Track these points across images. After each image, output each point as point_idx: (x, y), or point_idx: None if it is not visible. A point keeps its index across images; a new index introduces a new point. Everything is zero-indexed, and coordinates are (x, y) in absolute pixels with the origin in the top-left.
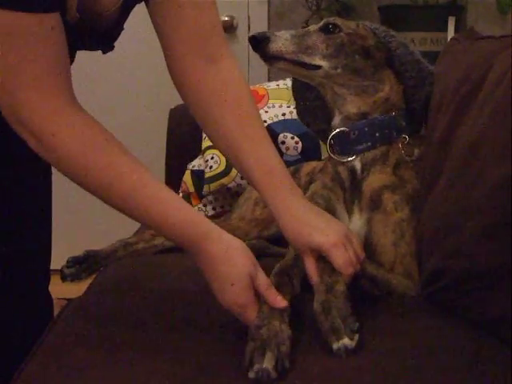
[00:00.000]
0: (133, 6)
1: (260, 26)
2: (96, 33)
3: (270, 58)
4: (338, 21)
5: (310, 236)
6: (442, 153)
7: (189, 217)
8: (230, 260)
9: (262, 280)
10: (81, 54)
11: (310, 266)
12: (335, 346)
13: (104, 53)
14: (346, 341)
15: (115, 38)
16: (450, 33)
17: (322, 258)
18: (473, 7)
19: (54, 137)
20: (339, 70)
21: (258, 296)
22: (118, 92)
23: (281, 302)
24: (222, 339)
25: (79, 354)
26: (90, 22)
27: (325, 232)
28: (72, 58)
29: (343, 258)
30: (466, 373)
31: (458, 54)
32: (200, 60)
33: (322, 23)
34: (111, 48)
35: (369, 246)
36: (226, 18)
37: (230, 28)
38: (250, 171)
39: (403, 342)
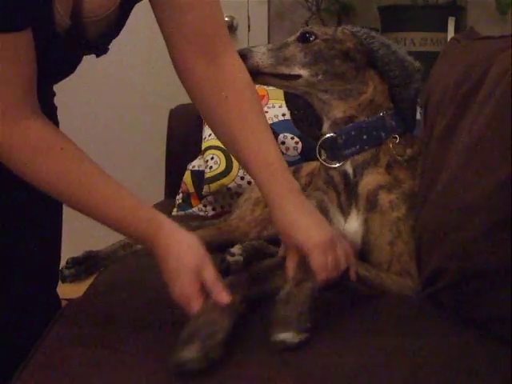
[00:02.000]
0: (132, 8)
1: (260, 26)
2: (91, 37)
3: (249, 74)
4: (315, 28)
5: (295, 234)
6: (442, 152)
7: (143, 213)
8: (179, 253)
9: (209, 274)
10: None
11: (289, 262)
12: (277, 336)
13: (98, 56)
14: (289, 335)
15: (110, 41)
16: (450, 33)
17: (302, 259)
18: (473, 7)
19: (10, 148)
20: (320, 77)
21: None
22: (118, 92)
23: (225, 297)
24: None
25: (79, 354)
26: (83, 28)
27: (309, 232)
28: (75, 66)
29: (320, 261)
30: (465, 373)
31: (458, 54)
32: (203, 58)
33: (298, 33)
34: (105, 51)
35: (366, 246)
36: (226, 18)
37: (229, 28)
38: (249, 164)
39: (403, 341)
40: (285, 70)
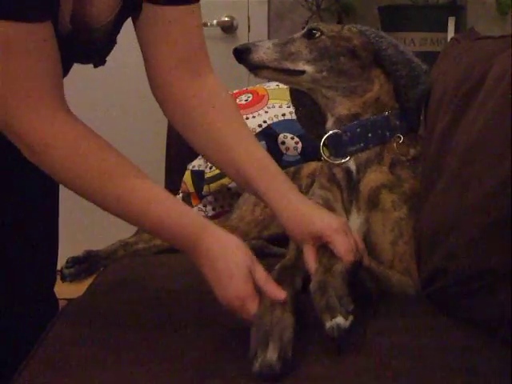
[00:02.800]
0: (125, 19)
1: (260, 26)
2: (89, 46)
3: (253, 67)
4: (321, 25)
5: (312, 222)
6: (442, 152)
7: (184, 215)
8: (228, 254)
9: (261, 273)
10: None
11: (310, 255)
12: (328, 324)
13: (95, 67)
14: (339, 319)
15: (108, 52)
16: (450, 33)
17: (321, 248)
18: (473, 7)
19: (46, 147)
20: (325, 73)
21: (258, 290)
22: (118, 93)
23: (281, 293)
24: (223, 339)
25: (79, 354)
26: (82, 35)
27: (326, 219)
28: (67, 71)
29: (345, 244)
30: (465, 373)
31: (458, 54)
32: (186, 73)
33: (305, 29)
34: (103, 62)
35: (368, 245)
36: (226, 18)
37: (230, 28)
38: (245, 168)
39: (403, 341)
40: (289, 66)
